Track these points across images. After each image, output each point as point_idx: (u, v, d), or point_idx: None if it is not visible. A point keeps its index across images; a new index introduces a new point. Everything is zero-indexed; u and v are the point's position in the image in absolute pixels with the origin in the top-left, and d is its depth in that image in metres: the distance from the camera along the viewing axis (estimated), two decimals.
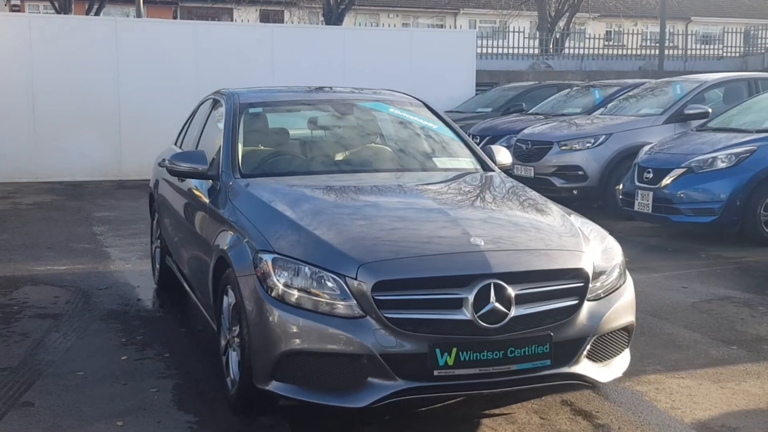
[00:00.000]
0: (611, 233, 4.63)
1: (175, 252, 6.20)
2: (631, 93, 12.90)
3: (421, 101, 6.31)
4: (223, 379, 4.50)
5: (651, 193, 9.30)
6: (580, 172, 10.99)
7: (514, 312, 3.83)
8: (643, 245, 9.12)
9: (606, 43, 33.60)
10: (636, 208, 9.52)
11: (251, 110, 5.80)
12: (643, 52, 29.65)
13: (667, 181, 9.18)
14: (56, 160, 14.96)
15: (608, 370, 4.22)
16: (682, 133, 10.43)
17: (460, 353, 3.77)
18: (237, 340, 4.23)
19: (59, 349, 5.45)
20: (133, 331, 5.85)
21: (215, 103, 6.21)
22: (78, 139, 14.94)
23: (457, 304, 3.79)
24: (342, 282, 3.83)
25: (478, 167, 5.67)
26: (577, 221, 4.62)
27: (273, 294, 3.92)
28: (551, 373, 3.98)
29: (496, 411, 4.38)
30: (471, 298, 3.77)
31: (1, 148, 14.62)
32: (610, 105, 12.82)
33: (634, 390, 4.74)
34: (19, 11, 37.41)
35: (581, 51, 24.82)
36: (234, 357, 4.30)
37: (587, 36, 30.90)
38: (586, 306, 4.06)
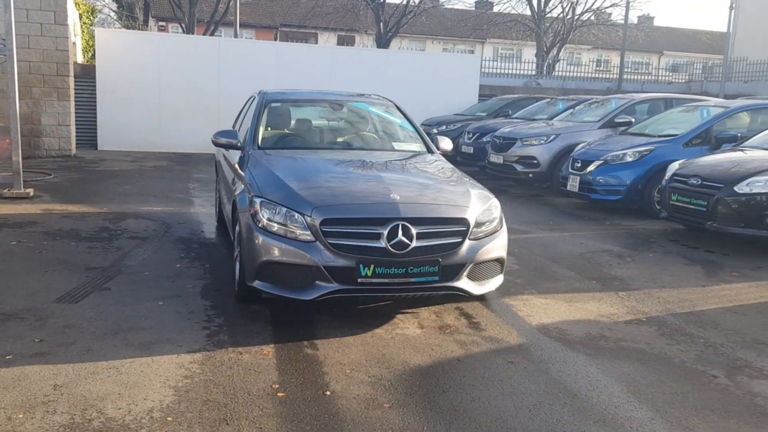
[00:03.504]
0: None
1: (221, 199, 6.70)
2: (582, 105, 13.02)
3: (393, 102, 6.59)
4: (233, 280, 5.04)
5: (578, 178, 9.57)
6: (535, 161, 11.16)
7: (414, 244, 4.28)
8: (568, 214, 9.38)
9: (596, 68, 33.21)
10: (568, 188, 9.78)
11: (273, 104, 6.22)
12: (632, 77, 29.42)
13: (590, 168, 9.44)
14: (174, 137, 15.56)
15: (481, 287, 4.61)
16: (608, 136, 10.60)
17: (376, 268, 4.24)
18: (238, 254, 4.76)
19: (138, 257, 6.01)
20: (190, 250, 6.37)
21: (254, 98, 6.66)
22: (190, 123, 15.53)
23: (377, 236, 4.25)
24: (303, 218, 4.32)
25: (424, 150, 6.03)
26: (473, 189, 4.93)
27: (260, 225, 4.42)
28: (439, 285, 4.41)
29: (408, 311, 4.83)
30: (385, 232, 4.24)
31: (136, 127, 15.34)
32: (565, 113, 12.94)
33: (508, 303, 5.13)
34: (164, 30, 38.48)
35: (564, 73, 24.66)
36: (238, 266, 4.81)
37: (582, 63, 30.64)
38: (467, 243, 4.47)
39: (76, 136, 14.50)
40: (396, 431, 3.12)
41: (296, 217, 4.34)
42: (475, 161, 13.64)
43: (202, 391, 3.41)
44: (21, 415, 3.07)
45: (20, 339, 3.98)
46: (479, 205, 4.71)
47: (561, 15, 29.81)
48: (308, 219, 4.29)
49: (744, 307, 5.28)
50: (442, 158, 5.89)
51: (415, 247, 4.29)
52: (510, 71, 24.38)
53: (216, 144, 5.85)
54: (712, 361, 4.16)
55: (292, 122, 6.33)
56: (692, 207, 7.36)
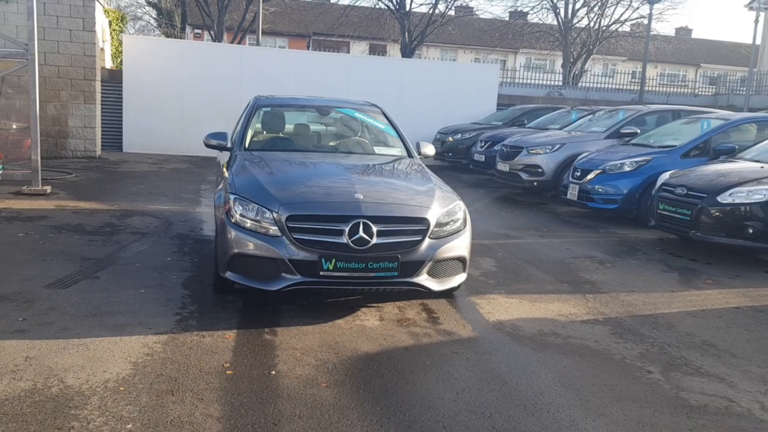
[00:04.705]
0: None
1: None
2: (593, 116, 13.15)
3: (379, 109, 6.88)
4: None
5: (578, 186, 9.74)
6: (540, 170, 11.31)
7: (374, 240, 4.55)
8: (566, 222, 9.55)
9: (631, 80, 33.08)
10: (568, 196, 9.96)
11: (263, 108, 6.59)
12: (661, 89, 29.25)
13: (588, 177, 9.61)
14: (196, 141, 15.75)
15: (442, 284, 4.85)
16: (611, 146, 10.75)
17: (337, 262, 4.51)
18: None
19: (134, 251, 6.41)
20: (185, 245, 6.75)
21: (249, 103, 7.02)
22: (211, 127, 15.69)
23: (339, 232, 4.53)
24: (271, 214, 4.63)
25: (405, 154, 6.31)
26: (439, 191, 5.17)
27: (233, 220, 4.74)
28: (398, 280, 4.66)
29: (374, 305, 5.11)
30: (346, 229, 4.52)
31: (159, 131, 15.91)
32: (577, 123, 13.10)
33: (473, 301, 5.38)
34: (200, 38, 39.39)
35: (588, 84, 24.70)
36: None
37: (617, 74, 30.62)
38: (427, 242, 4.72)
39: (103, 138, 15.14)
40: (326, 406, 3.41)
41: (265, 213, 4.65)
42: (486, 169, 13.88)
43: (158, 367, 3.74)
44: None
45: (5, 317, 4.37)
46: (442, 206, 4.96)
47: (588, 26, 29.86)
48: (275, 215, 4.61)
49: (705, 312, 5.44)
50: (420, 163, 6.14)
51: (375, 244, 4.56)
52: (536, 81, 24.50)
53: (207, 145, 6.21)
54: (652, 359, 4.35)
55: (280, 126, 6.67)
56: (677, 216, 7.51)
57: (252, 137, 6.21)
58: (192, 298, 5.05)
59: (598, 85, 24.57)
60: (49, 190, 9.37)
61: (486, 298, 5.50)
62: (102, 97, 14.97)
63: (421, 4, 28.95)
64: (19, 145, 11.84)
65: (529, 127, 14.71)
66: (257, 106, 6.54)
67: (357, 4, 28.68)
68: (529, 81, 24.57)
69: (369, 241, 4.54)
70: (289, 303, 5.01)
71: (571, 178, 10.03)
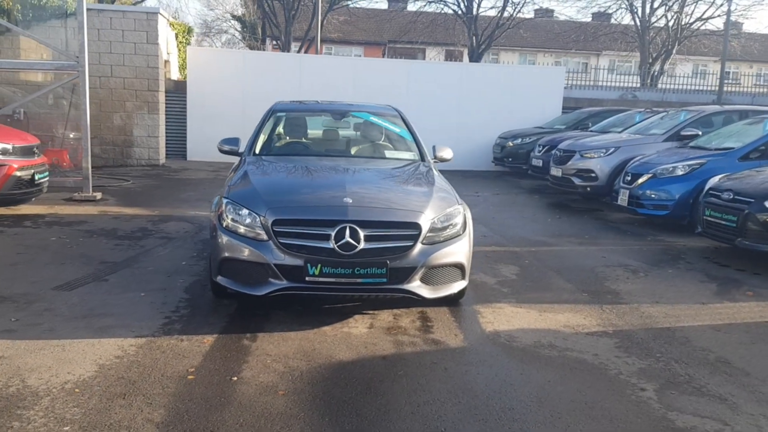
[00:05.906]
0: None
1: None
2: (655, 117, 12.53)
3: (398, 112, 6.76)
4: None
5: (628, 191, 9.28)
6: (593, 174, 10.86)
7: (362, 245, 4.42)
8: (614, 229, 9.09)
9: (726, 81, 31.58)
10: (618, 202, 9.49)
11: (278, 114, 6.59)
12: (756, 90, 27.69)
13: (639, 182, 9.14)
14: None
15: (436, 291, 4.64)
16: (668, 148, 10.20)
17: (323, 268, 4.42)
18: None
19: (154, 255, 6.51)
20: (205, 250, 6.74)
21: None
22: None
23: (326, 237, 4.44)
24: (259, 219, 4.60)
25: (417, 158, 6.16)
26: (437, 194, 4.99)
27: (224, 225, 4.72)
28: (387, 287, 4.51)
29: (368, 312, 4.98)
30: (333, 234, 4.42)
31: (222, 139, 16.29)
32: (637, 125, 12.53)
33: (476, 310, 5.15)
34: (277, 49, 40.36)
35: (665, 86, 23.62)
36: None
37: (709, 73, 29.35)
38: (419, 247, 4.55)
39: (169, 146, 15.69)
40: (273, 415, 3.31)
41: (254, 217, 4.62)
42: (544, 174, 13.43)
43: (122, 370, 3.76)
44: None
45: (0, 318, 4.51)
46: (437, 210, 4.76)
47: (666, 25, 28.64)
48: (262, 219, 4.56)
49: (732, 326, 5.02)
50: (430, 166, 5.91)
51: (363, 249, 4.43)
52: (611, 83, 23.64)
53: (221, 150, 6.27)
54: (652, 375, 4.03)
55: (292, 131, 6.66)
56: (723, 222, 7.01)
57: (263, 142, 6.22)
58: (188, 302, 5.08)
59: (678, 87, 23.44)
60: (99, 197, 9.72)
61: (492, 306, 5.27)
62: (167, 107, 15.52)
63: (491, 8, 28.67)
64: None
65: (592, 131, 14.18)
66: (272, 111, 6.56)
67: (424, 9, 28.56)
68: (603, 83, 23.74)
69: (356, 246, 4.42)
70: (282, 308, 4.95)
71: (622, 183, 9.56)
